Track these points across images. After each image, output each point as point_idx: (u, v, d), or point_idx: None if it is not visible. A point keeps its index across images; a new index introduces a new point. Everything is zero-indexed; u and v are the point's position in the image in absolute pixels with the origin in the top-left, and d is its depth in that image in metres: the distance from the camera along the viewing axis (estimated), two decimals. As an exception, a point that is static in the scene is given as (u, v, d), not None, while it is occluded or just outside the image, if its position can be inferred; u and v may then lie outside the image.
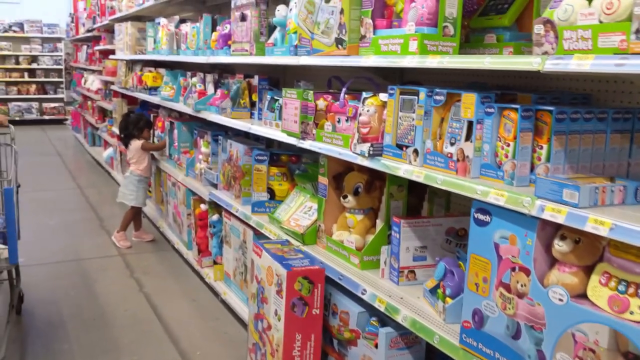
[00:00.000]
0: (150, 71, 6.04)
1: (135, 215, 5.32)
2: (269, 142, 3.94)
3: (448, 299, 2.08)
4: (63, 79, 14.00)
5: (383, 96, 2.35)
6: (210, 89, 4.40)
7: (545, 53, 1.62)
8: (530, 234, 1.66)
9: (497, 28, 2.18)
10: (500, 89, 2.24)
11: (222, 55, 3.95)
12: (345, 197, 2.67)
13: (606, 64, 1.43)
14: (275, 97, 3.33)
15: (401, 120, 2.21)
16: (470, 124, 1.94)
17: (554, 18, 1.60)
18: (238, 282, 3.67)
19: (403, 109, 2.20)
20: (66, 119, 13.72)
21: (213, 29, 4.27)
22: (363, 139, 2.38)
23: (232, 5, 3.67)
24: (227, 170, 3.86)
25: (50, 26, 14.53)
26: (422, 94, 2.10)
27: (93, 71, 10.05)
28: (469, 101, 1.92)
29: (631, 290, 1.48)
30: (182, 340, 3.50)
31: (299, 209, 3.08)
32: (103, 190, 7.46)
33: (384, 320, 2.41)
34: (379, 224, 2.59)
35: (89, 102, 10.04)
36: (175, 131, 5.04)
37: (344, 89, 2.67)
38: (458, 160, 1.96)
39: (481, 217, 1.82)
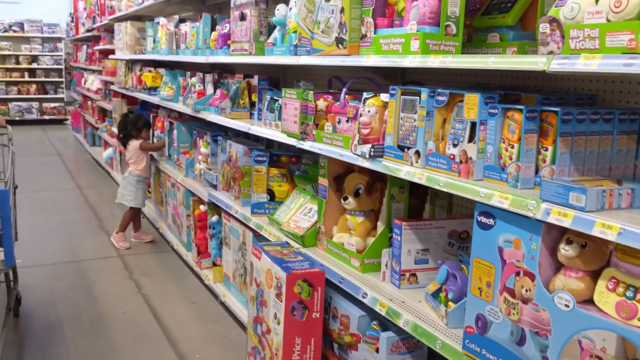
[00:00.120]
0: (149, 71, 6.01)
1: (134, 216, 5.29)
2: (268, 143, 3.90)
3: (450, 304, 2.04)
4: (63, 79, 13.98)
5: (384, 96, 2.31)
6: (209, 89, 4.37)
7: (551, 53, 1.58)
8: (535, 238, 1.62)
9: (501, 27, 2.14)
10: (503, 89, 2.21)
11: (221, 55, 3.91)
12: (345, 198, 2.63)
13: (614, 63, 1.39)
14: (275, 98, 3.29)
15: (403, 121, 2.17)
16: (473, 125, 1.90)
17: (560, 17, 1.56)
18: (237, 284, 3.64)
19: (404, 110, 2.16)
20: (66, 119, 13.70)
21: (212, 29, 4.24)
22: (364, 140, 2.34)
23: (232, 5, 3.63)
24: (226, 171, 3.82)
25: (50, 26, 14.51)
26: (424, 95, 2.06)
27: (93, 71, 10.02)
28: (472, 102, 1.88)
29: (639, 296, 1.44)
30: (180, 342, 3.46)
31: (298, 211, 3.04)
32: (103, 190, 7.43)
33: (385, 324, 2.37)
34: (380, 226, 2.56)
35: (89, 102, 10.02)
36: (175, 131, 5.00)
37: (344, 89, 2.63)
38: (461, 162, 1.92)
39: (485, 220, 1.78)
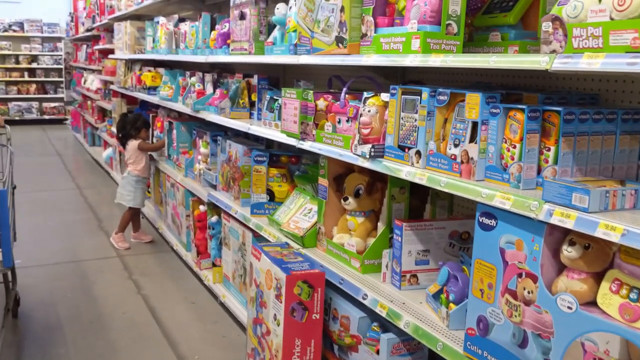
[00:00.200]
0: (149, 71, 5.99)
1: (133, 216, 5.27)
2: (268, 143, 3.88)
3: (452, 305, 2.02)
4: (63, 79, 13.96)
5: (385, 96, 2.29)
6: (209, 88, 4.35)
7: (554, 51, 1.56)
8: (537, 239, 1.60)
9: (502, 26, 2.13)
10: (504, 88, 2.19)
11: (221, 55, 3.90)
12: (345, 199, 2.61)
13: (618, 62, 1.37)
14: (275, 97, 3.27)
15: (403, 120, 2.15)
16: (474, 124, 1.88)
17: (563, 15, 1.54)
18: (237, 285, 3.62)
19: (405, 110, 2.15)
20: (66, 119, 13.68)
21: (212, 28, 4.22)
22: (364, 140, 2.33)
23: (231, 4, 3.61)
24: (226, 171, 3.81)
25: (50, 25, 14.49)
26: (425, 94, 2.04)
27: (93, 71, 10.00)
28: (473, 101, 1.86)
29: (643, 298, 1.42)
30: (180, 343, 3.44)
31: (298, 211, 3.03)
32: (102, 190, 7.42)
33: (386, 325, 2.35)
34: (381, 226, 2.54)
35: (89, 102, 10.00)
36: (174, 131, 4.99)
37: (344, 89, 2.61)
38: (462, 162, 1.90)
39: (486, 221, 1.76)
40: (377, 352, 2.31)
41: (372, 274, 2.48)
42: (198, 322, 3.73)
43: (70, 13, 12.98)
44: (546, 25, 1.58)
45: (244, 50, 3.50)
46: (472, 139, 1.89)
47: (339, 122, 2.60)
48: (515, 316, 1.67)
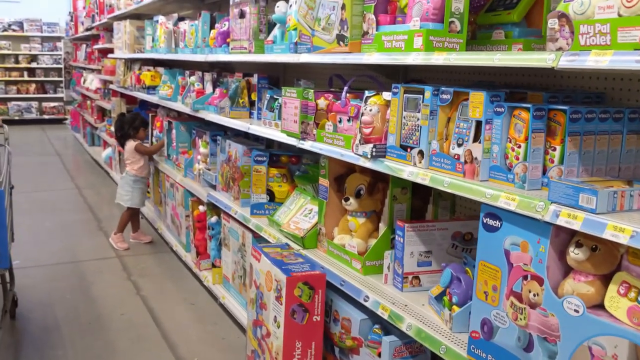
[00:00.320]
0: (148, 70, 5.96)
1: (132, 217, 5.23)
2: (268, 143, 3.85)
3: (455, 307, 1.99)
4: (63, 78, 13.93)
5: (386, 95, 2.26)
6: (208, 87, 4.32)
7: (560, 49, 1.53)
8: (543, 241, 1.57)
9: (506, 24, 2.10)
10: (508, 87, 2.16)
11: (220, 54, 3.86)
12: (346, 199, 2.58)
13: (626, 60, 1.34)
14: (275, 96, 3.24)
15: (405, 120, 2.12)
16: (478, 124, 1.85)
17: (569, 12, 1.51)
18: (237, 286, 3.59)
19: (407, 109, 2.11)
20: (65, 119, 13.65)
21: (212, 27, 4.19)
22: (365, 140, 2.29)
23: (231, 2, 3.58)
24: (225, 171, 3.77)
25: (49, 25, 14.45)
26: (428, 93, 2.01)
27: (92, 70, 9.97)
28: (477, 100, 1.83)
29: (652, 301, 1.39)
30: (179, 345, 3.41)
31: (299, 212, 2.99)
32: (101, 190, 7.39)
33: (387, 327, 2.32)
34: (382, 227, 2.50)
35: (88, 102, 9.97)
36: (174, 131, 4.95)
37: (345, 88, 2.58)
38: (466, 162, 1.87)
39: (490, 222, 1.72)
40: (379, 354, 2.27)
41: (374, 275, 2.44)
42: (197, 323, 3.70)
43: (69, 12, 12.95)
44: (552, 22, 1.55)
45: (243, 49, 3.47)
46: (476, 139, 1.86)
47: (340, 121, 2.57)
48: (521, 319, 1.63)
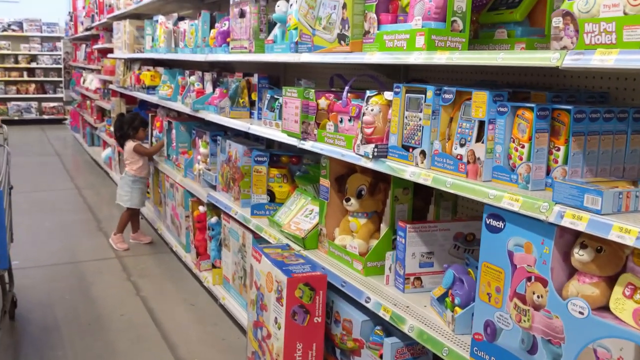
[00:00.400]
0: (148, 70, 5.94)
1: (132, 217, 5.22)
2: (269, 143, 3.83)
3: (457, 309, 1.97)
4: (62, 78, 13.90)
5: (388, 95, 2.24)
6: (208, 87, 4.30)
7: (565, 48, 1.51)
8: (547, 242, 1.55)
9: (508, 23, 2.08)
10: (510, 87, 2.14)
11: (220, 53, 3.85)
12: (348, 200, 2.56)
13: (632, 59, 1.33)
14: (276, 96, 3.22)
15: (407, 120, 2.10)
16: (481, 124, 1.83)
17: (574, 10, 1.49)
18: (237, 287, 3.57)
19: (409, 108, 2.09)
20: (65, 119, 13.63)
21: (211, 26, 4.17)
22: (367, 140, 2.27)
23: (231, 2, 3.57)
24: (226, 171, 3.75)
25: (49, 25, 14.43)
26: (430, 92, 1.99)
27: (92, 70, 9.95)
28: (480, 100, 1.81)
29: (658, 303, 1.37)
30: (179, 346, 3.40)
31: (299, 212, 2.98)
32: (101, 191, 7.37)
33: (389, 329, 2.30)
34: (384, 228, 2.49)
35: (88, 102, 9.95)
36: (173, 131, 4.94)
37: (346, 87, 2.56)
38: (468, 162, 1.85)
39: (493, 223, 1.71)
40: (381, 356, 2.26)
41: (375, 276, 2.43)
42: (197, 324, 3.69)
43: (69, 12, 12.93)
44: (556, 21, 1.53)
45: (244, 49, 3.45)
46: (479, 139, 1.84)
47: (341, 121, 2.55)
48: (524, 321, 1.62)
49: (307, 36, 2.65)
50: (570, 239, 1.55)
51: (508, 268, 1.67)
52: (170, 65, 5.78)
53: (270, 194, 3.36)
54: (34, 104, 14.25)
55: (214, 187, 4.02)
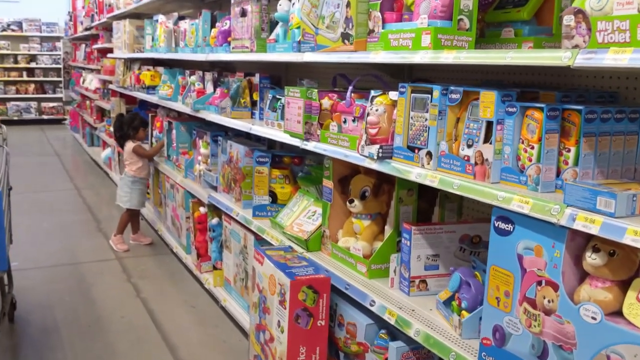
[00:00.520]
0: (148, 70, 5.91)
1: (132, 218, 5.18)
2: (270, 143, 3.80)
3: (464, 313, 1.93)
4: (62, 78, 13.86)
5: (393, 94, 2.21)
6: (209, 87, 4.26)
7: (576, 47, 1.48)
8: (558, 245, 1.52)
9: (515, 22, 2.04)
10: (516, 86, 2.10)
11: (221, 53, 3.81)
12: (351, 201, 2.53)
13: (647, 58, 1.29)
14: (278, 96, 3.19)
15: (413, 120, 2.07)
16: (489, 124, 1.80)
17: (586, 8, 1.46)
18: (238, 289, 3.53)
19: (415, 109, 2.06)
20: (65, 119, 13.59)
21: (212, 26, 4.13)
22: (371, 141, 2.24)
23: (232, 1, 3.53)
24: (227, 172, 3.72)
25: (49, 25, 14.39)
26: (436, 92, 1.95)
27: (91, 70, 9.92)
28: (488, 100, 1.77)
29: (674, 309, 1.34)
30: (180, 348, 3.36)
31: (302, 214, 2.94)
32: (101, 191, 7.33)
33: (394, 332, 2.26)
34: (388, 230, 2.45)
35: (88, 102, 9.92)
36: (174, 131, 4.90)
37: (350, 87, 2.52)
38: (476, 163, 1.81)
39: (502, 225, 1.67)
40: (385, 360, 2.22)
41: (379, 279, 2.39)
42: (198, 326, 3.65)
43: (69, 12, 12.88)
44: (568, 19, 1.49)
45: (245, 48, 3.42)
46: (487, 139, 1.81)
47: (345, 121, 2.52)
48: (535, 326, 1.58)
49: (310, 35, 2.62)
50: (582, 242, 1.52)
51: (517, 272, 1.63)
52: (170, 65, 5.74)
53: (272, 195, 3.32)
54: (34, 104, 14.22)
55: (214, 188, 3.99)
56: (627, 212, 1.39)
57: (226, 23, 3.81)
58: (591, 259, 1.47)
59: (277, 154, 3.37)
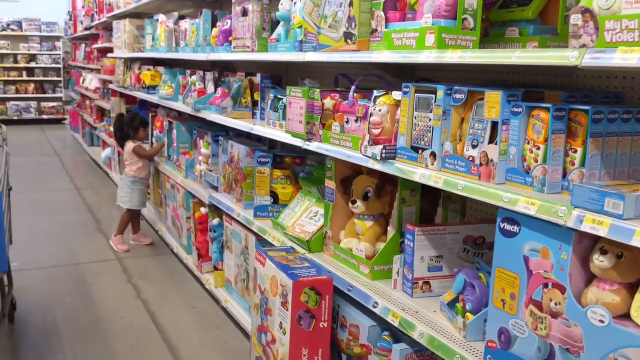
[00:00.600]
0: (148, 69, 5.89)
1: (133, 218, 5.16)
2: (272, 144, 3.78)
3: (469, 315, 1.91)
4: (62, 78, 13.84)
5: (396, 95, 2.19)
6: (210, 87, 4.25)
7: (584, 46, 1.46)
8: (565, 247, 1.50)
9: (520, 21, 2.02)
10: (521, 86, 2.09)
11: (222, 53, 3.79)
12: (354, 202, 2.51)
13: (656, 57, 1.27)
14: (279, 96, 3.17)
15: (417, 120, 2.05)
16: (494, 124, 1.78)
17: (594, 7, 1.44)
18: (240, 290, 3.51)
19: (419, 109, 2.04)
20: (65, 119, 13.57)
21: (213, 25, 4.11)
22: (375, 141, 2.22)
23: (233, 0, 3.51)
24: (228, 172, 3.70)
25: (49, 25, 14.38)
26: (441, 92, 1.94)
27: (92, 70, 9.90)
28: (493, 100, 1.76)
29: (683, 312, 1.32)
30: (180, 349, 3.35)
31: (304, 214, 2.92)
32: (101, 191, 7.31)
33: (397, 335, 2.24)
34: (391, 231, 2.43)
35: (88, 102, 9.90)
36: (174, 131, 4.88)
37: (353, 87, 2.50)
38: (481, 164, 1.79)
39: (508, 227, 1.65)
40: (389, 362, 2.20)
41: (382, 280, 2.37)
42: (199, 327, 3.63)
43: (69, 12, 12.86)
44: (575, 18, 1.47)
45: (246, 48, 3.40)
46: (492, 140, 1.79)
47: (348, 122, 2.50)
48: (541, 329, 1.56)
49: (312, 35, 2.60)
50: (589, 244, 1.50)
51: (524, 274, 1.61)
52: (171, 64, 5.72)
53: (274, 196, 3.30)
54: (34, 104, 14.20)
55: (216, 189, 3.97)
56: (635, 213, 1.37)
57: (227, 23, 3.79)
58: (599, 262, 1.46)
59: (278, 154, 3.35)
